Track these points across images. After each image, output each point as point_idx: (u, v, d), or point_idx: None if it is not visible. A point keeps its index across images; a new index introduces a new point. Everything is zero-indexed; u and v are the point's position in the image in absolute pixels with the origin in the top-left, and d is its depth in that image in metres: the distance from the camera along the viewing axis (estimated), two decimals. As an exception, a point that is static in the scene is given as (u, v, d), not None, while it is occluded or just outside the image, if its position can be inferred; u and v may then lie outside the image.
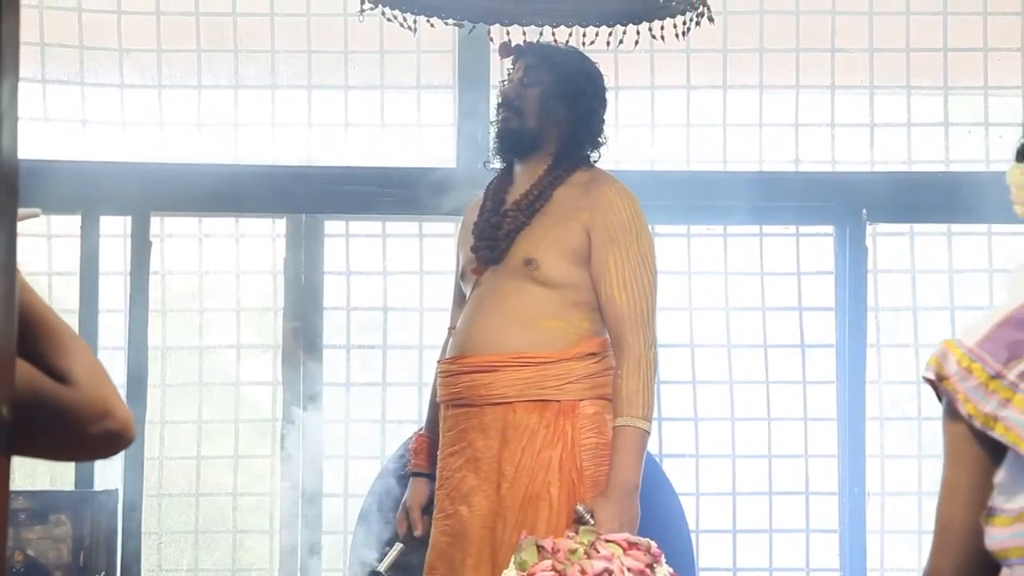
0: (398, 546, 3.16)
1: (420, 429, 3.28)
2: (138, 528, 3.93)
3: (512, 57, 3.20)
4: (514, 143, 3.14)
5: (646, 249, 3.05)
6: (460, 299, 3.22)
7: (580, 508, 2.93)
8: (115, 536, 3.76)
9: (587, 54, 3.21)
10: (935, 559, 1.67)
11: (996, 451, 1.55)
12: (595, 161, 3.17)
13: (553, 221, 3.07)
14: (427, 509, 3.13)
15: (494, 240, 3.08)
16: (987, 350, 1.58)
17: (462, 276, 3.18)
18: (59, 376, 1.33)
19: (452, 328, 3.15)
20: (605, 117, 3.19)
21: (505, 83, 3.19)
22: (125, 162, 4.06)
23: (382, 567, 3.10)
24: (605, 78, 3.20)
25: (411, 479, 3.19)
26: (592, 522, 2.89)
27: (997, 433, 1.54)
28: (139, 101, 4.14)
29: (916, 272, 4.19)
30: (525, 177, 3.14)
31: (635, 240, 3.03)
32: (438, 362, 3.15)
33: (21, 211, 1.17)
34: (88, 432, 1.34)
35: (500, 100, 3.16)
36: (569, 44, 3.25)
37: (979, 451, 1.57)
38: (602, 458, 3.00)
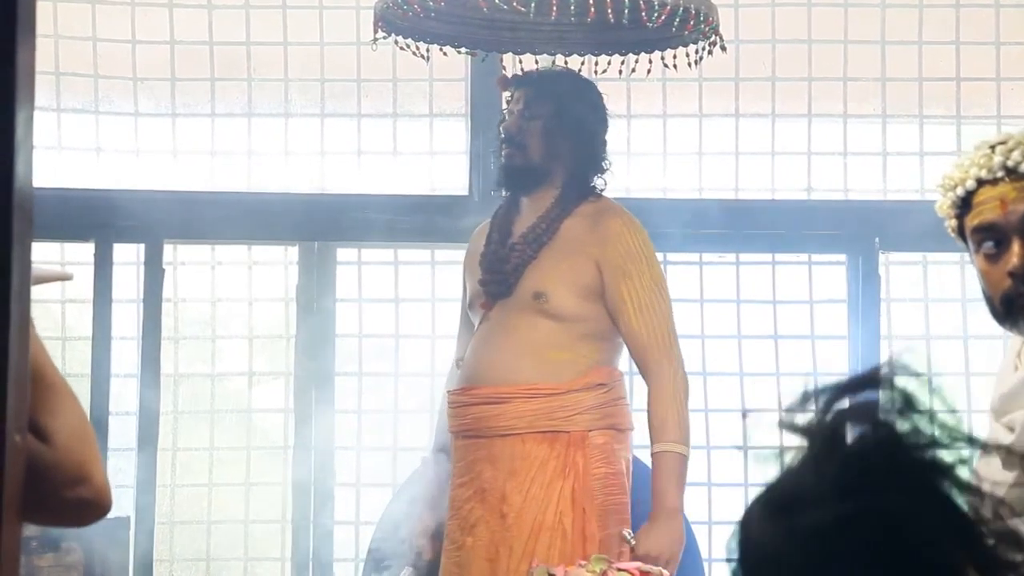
0: (408, 569, 3.17)
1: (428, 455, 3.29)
2: (150, 556, 3.92)
3: (511, 88, 3.18)
4: (519, 179, 3.13)
5: (658, 276, 3.07)
6: (467, 327, 3.21)
7: (626, 533, 2.97)
8: (127, 564, 3.75)
9: (597, 79, 3.21)
10: None
11: None
12: (602, 189, 3.16)
13: (562, 255, 3.06)
14: (436, 535, 3.13)
15: (502, 274, 3.08)
16: None
17: (470, 306, 3.18)
18: (39, 433, 1.29)
19: (460, 360, 3.14)
20: (608, 139, 3.18)
21: (505, 115, 3.17)
22: (138, 190, 4.07)
23: None
24: (605, 97, 3.18)
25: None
26: (634, 543, 2.92)
27: None
28: (153, 129, 4.16)
29: (929, 301, 4.18)
30: (532, 207, 3.13)
31: (646, 268, 3.04)
32: (448, 392, 3.15)
33: (53, 271, 1.16)
34: (61, 496, 1.29)
35: (502, 135, 3.14)
36: (567, 66, 3.24)
37: None
38: (611, 488, 3.01)
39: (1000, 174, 1.87)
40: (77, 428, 1.32)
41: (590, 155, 3.12)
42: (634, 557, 2.92)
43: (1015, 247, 1.85)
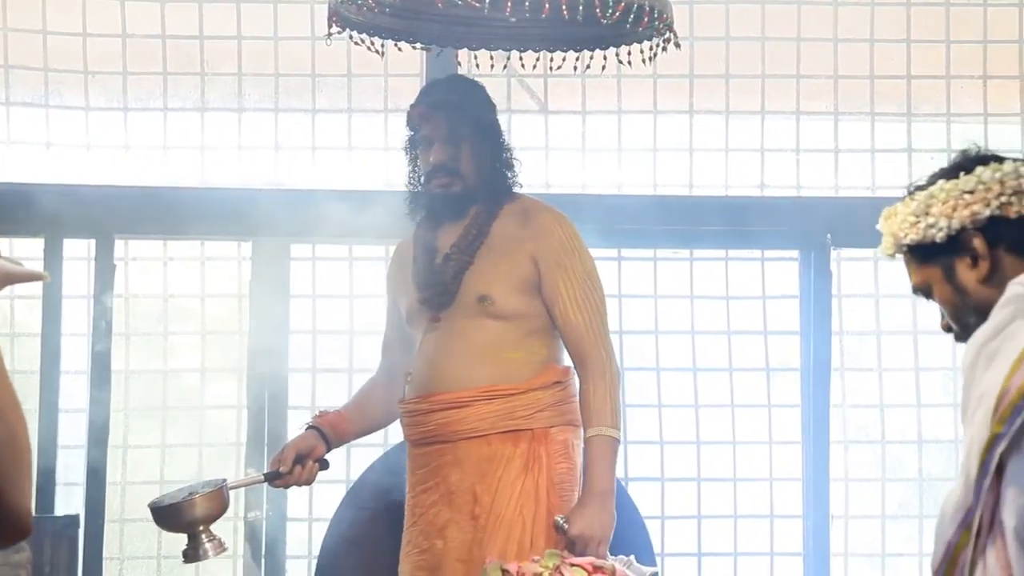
0: (259, 476, 3.22)
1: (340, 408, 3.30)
2: (99, 554, 3.89)
3: (423, 119, 3.15)
4: (456, 206, 3.13)
5: (589, 266, 3.11)
6: (402, 337, 3.23)
7: (559, 519, 2.98)
8: (76, 562, 3.72)
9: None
10: None
11: None
12: (520, 185, 3.18)
13: (499, 255, 3.09)
14: (300, 459, 3.15)
15: (441, 285, 3.10)
16: None
17: (409, 321, 3.18)
18: None
19: (409, 374, 3.14)
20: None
21: (419, 142, 3.15)
22: (89, 185, 4.04)
23: (230, 481, 3.11)
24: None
25: (304, 429, 3.21)
26: (567, 528, 2.94)
27: None
28: (104, 124, 4.12)
29: (880, 297, 4.22)
30: (456, 221, 3.15)
31: (578, 260, 3.09)
32: (400, 403, 3.16)
33: (28, 271, 1.13)
34: None
35: (433, 166, 3.11)
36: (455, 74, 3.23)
37: None
38: (569, 483, 3.06)
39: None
40: (11, 460, 1.26)
41: (504, 155, 3.16)
42: (568, 540, 2.94)
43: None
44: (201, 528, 2.99)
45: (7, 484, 1.26)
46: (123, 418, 4.05)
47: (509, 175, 3.17)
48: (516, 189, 3.19)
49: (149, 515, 3.03)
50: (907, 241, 1.90)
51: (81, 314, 4.02)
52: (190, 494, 3.00)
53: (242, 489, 3.97)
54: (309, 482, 3.19)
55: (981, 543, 1.66)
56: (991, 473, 1.66)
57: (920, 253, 1.90)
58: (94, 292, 3.97)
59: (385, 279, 3.34)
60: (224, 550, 3.02)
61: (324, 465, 3.20)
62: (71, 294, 4.02)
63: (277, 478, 3.16)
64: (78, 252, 4.04)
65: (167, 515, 2.99)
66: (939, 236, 1.86)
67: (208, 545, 2.99)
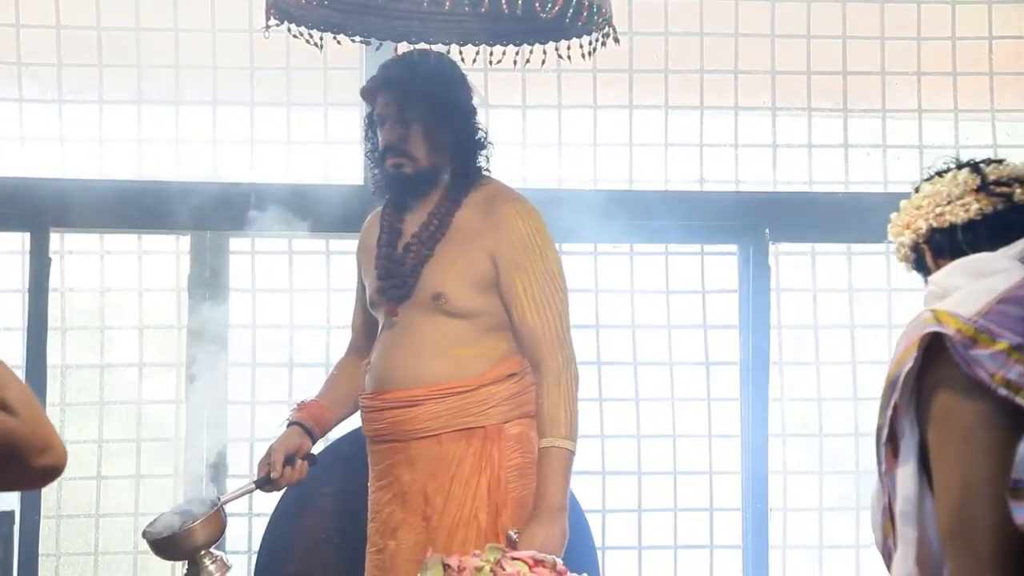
0: (250, 485, 3.14)
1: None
2: (35, 550, 3.85)
3: (378, 97, 3.09)
4: (411, 187, 3.06)
5: (553, 266, 3.03)
6: (366, 323, 3.20)
7: (511, 533, 2.94)
8: (11, 559, 3.67)
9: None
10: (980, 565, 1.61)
11: (1015, 424, 1.61)
12: (487, 170, 3.12)
13: (458, 251, 3.03)
14: (289, 459, 3.11)
15: (400, 277, 3.04)
16: (993, 322, 1.65)
17: (372, 306, 3.15)
18: (6, 408, 1.39)
19: (368, 363, 3.11)
20: (477, 107, 3.12)
21: (376, 120, 3.09)
22: (24, 177, 3.99)
23: (223, 498, 3.06)
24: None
25: (287, 427, 3.17)
26: (517, 544, 2.92)
27: (1021, 399, 1.59)
28: (39, 116, 4.07)
29: (817, 291, 4.26)
30: (421, 202, 3.10)
31: (540, 259, 3.01)
32: (359, 397, 3.13)
33: None
34: (31, 464, 1.40)
35: (384, 146, 3.05)
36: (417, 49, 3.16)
37: (999, 429, 1.62)
38: (527, 478, 3.01)
39: None
40: (29, 398, 1.42)
41: (471, 138, 3.09)
42: None
43: None
44: (203, 552, 2.95)
45: (51, 430, 1.43)
46: (59, 413, 4.00)
47: (477, 156, 3.09)
48: (486, 172, 3.10)
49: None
50: (902, 262, 2.01)
51: (16, 308, 3.97)
52: (184, 521, 2.95)
53: (181, 485, 3.95)
54: (301, 480, 3.14)
55: (896, 529, 1.74)
56: (884, 462, 1.76)
57: (914, 269, 2.00)
58: (29, 286, 3.93)
59: (355, 254, 3.28)
60: (228, 568, 2.98)
61: (312, 460, 3.15)
62: (5, 288, 3.97)
63: (268, 484, 3.11)
64: (12, 246, 3.99)
65: (166, 546, 2.94)
66: (909, 254, 1.97)
67: (212, 568, 2.96)
